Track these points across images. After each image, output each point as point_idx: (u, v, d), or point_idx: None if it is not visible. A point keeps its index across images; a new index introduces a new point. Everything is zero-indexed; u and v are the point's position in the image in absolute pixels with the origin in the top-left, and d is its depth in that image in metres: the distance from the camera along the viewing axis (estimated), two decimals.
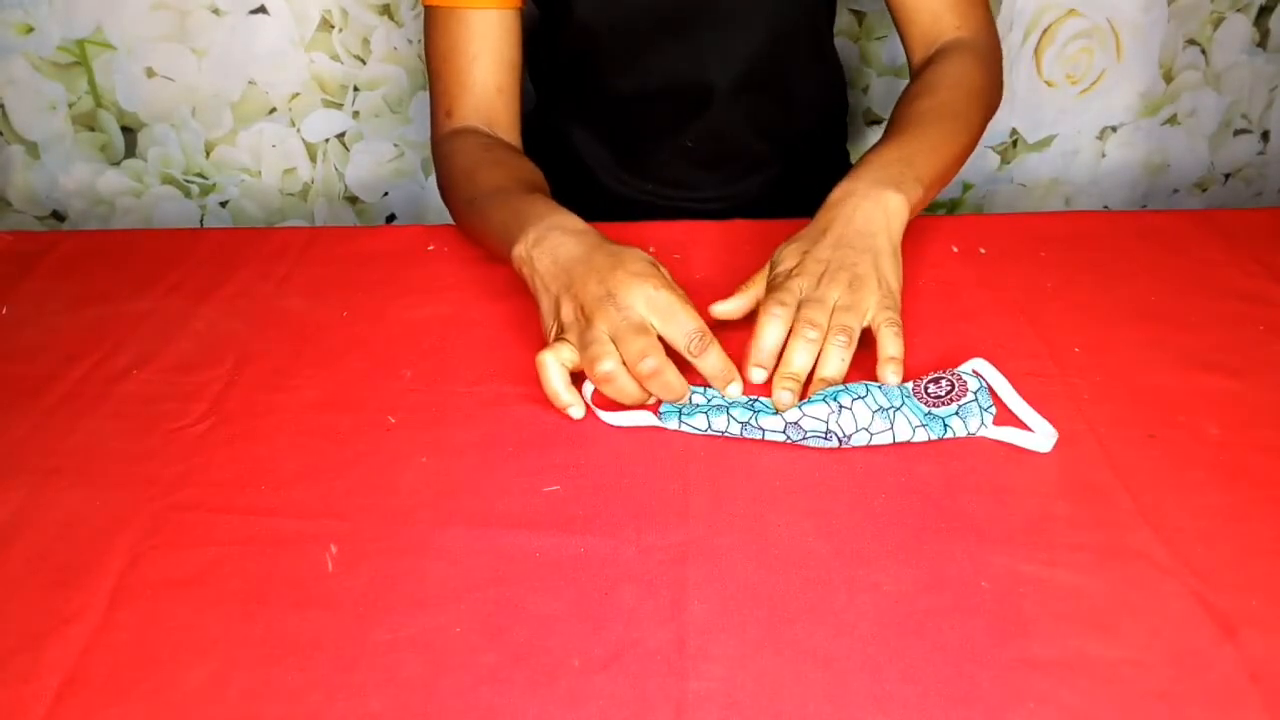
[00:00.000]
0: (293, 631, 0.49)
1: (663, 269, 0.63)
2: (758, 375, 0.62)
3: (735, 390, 0.61)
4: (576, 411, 0.61)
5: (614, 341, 0.59)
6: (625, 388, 0.59)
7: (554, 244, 0.64)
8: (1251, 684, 0.46)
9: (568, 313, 0.62)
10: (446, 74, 0.83)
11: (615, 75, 0.90)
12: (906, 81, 0.84)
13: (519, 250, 0.66)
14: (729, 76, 0.89)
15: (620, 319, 0.59)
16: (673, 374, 0.59)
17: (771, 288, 0.65)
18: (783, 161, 0.96)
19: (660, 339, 0.60)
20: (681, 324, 0.60)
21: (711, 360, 0.60)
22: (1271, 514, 0.55)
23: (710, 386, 0.62)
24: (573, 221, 0.66)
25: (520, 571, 0.52)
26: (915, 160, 0.70)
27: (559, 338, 0.61)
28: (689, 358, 0.60)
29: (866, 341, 0.63)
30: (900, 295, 0.65)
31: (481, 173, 0.78)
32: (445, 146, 0.83)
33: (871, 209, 0.66)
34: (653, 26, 0.86)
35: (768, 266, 0.68)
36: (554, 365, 0.60)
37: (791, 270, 0.65)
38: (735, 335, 0.65)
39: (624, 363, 0.59)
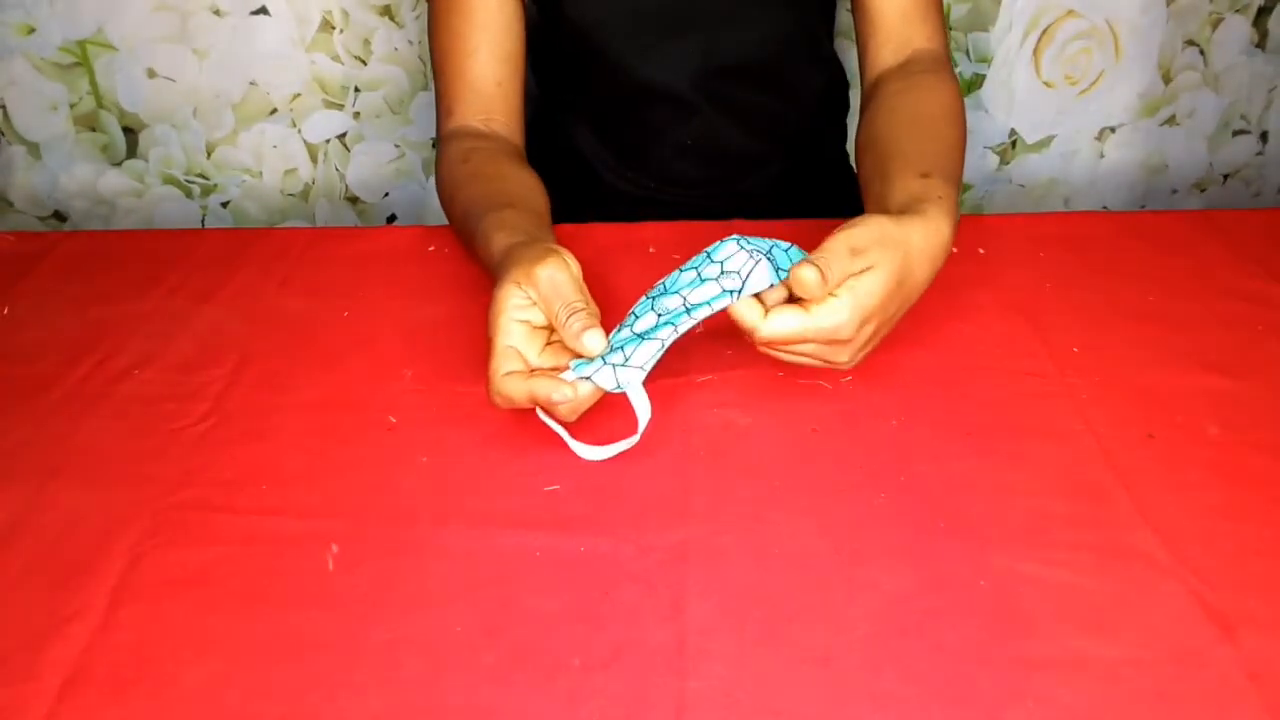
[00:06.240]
0: (293, 631, 0.49)
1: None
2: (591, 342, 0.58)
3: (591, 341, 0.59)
4: (562, 394, 0.57)
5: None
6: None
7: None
8: (1251, 684, 0.46)
9: None
10: (447, 69, 0.83)
11: (611, 73, 0.90)
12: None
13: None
14: (722, 77, 0.88)
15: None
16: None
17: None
18: (783, 161, 0.96)
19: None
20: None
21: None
22: (1271, 514, 0.55)
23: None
24: (501, 269, 0.64)
25: (520, 571, 0.52)
26: (955, 201, 0.67)
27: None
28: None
29: None
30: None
31: (460, 193, 0.78)
32: (439, 151, 0.83)
33: (939, 260, 0.64)
34: (643, 25, 0.86)
35: (847, 256, 0.59)
36: (505, 394, 0.59)
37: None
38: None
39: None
